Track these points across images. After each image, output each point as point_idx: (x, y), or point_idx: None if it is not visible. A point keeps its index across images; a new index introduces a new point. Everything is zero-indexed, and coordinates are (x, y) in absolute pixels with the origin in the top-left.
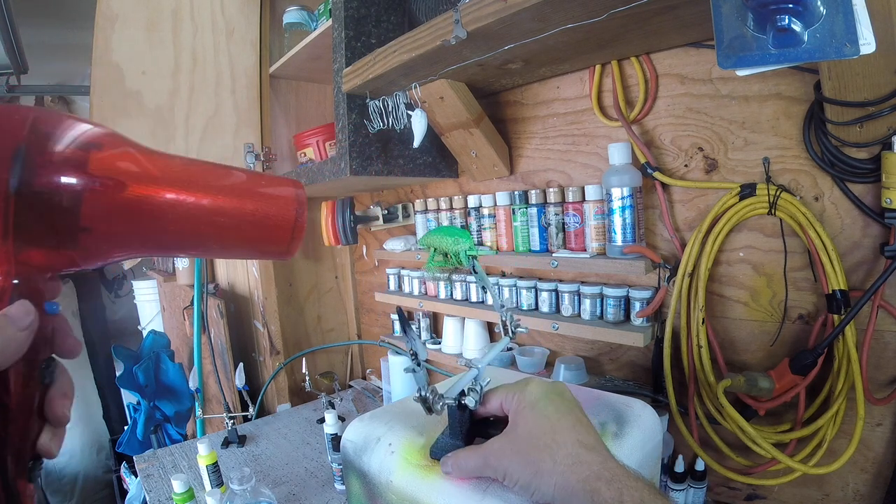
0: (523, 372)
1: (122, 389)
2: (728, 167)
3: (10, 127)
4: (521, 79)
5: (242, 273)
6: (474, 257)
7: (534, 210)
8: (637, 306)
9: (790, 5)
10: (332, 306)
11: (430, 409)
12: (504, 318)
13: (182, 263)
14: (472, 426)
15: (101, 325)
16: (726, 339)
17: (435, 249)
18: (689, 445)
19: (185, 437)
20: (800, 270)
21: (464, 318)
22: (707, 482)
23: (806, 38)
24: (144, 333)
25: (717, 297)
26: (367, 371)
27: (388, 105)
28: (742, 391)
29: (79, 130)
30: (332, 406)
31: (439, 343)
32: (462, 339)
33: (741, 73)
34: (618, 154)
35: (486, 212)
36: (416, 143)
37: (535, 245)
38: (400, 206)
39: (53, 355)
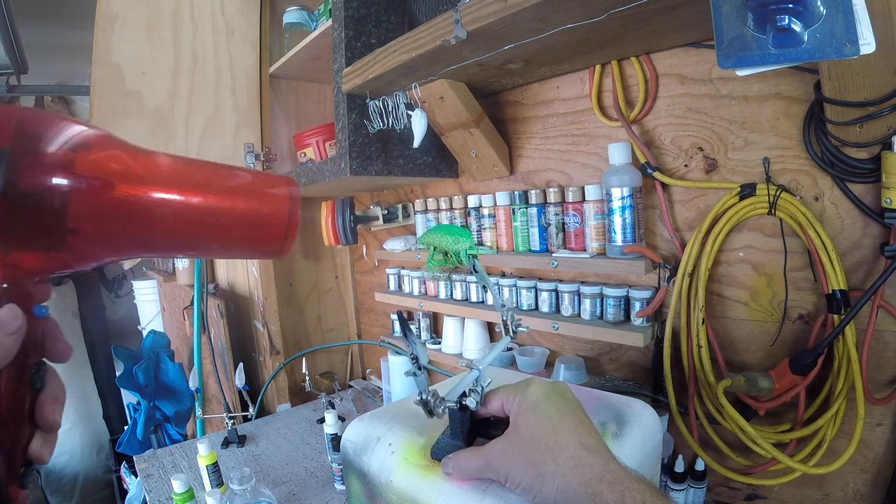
0: (523, 372)
1: (122, 389)
2: (728, 167)
3: None
4: (521, 79)
5: (242, 273)
6: (475, 256)
7: (534, 210)
8: (637, 306)
9: (790, 5)
10: (332, 306)
11: (431, 413)
12: (505, 318)
13: (182, 263)
14: (473, 426)
15: (101, 325)
16: (726, 339)
17: (435, 248)
18: (689, 445)
19: (185, 437)
20: (800, 270)
21: (464, 318)
22: (707, 482)
23: (806, 38)
24: (144, 333)
25: (717, 297)
26: (367, 371)
27: (388, 105)
28: (742, 391)
29: (66, 130)
30: (332, 406)
31: (439, 343)
32: (462, 339)
33: (741, 73)
34: (618, 154)
35: (486, 212)
36: (416, 143)
37: (535, 245)
38: (400, 206)
39: (44, 359)
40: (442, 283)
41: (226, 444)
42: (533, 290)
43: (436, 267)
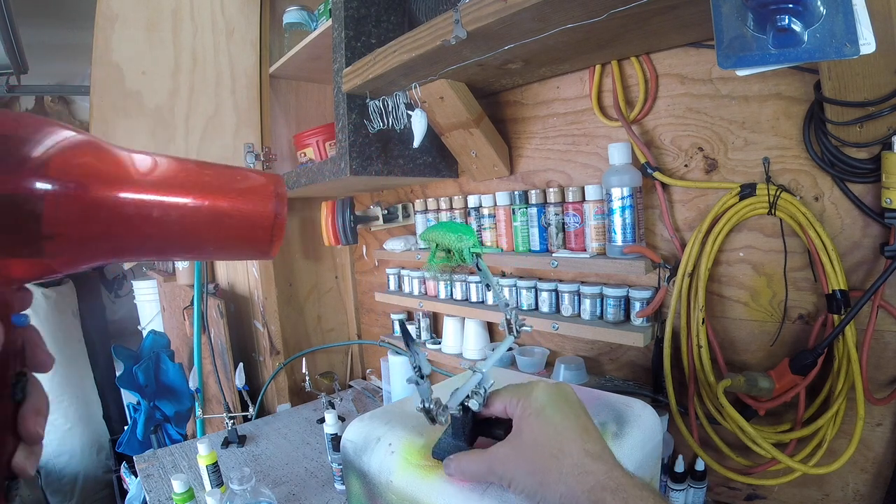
0: (523, 372)
1: (122, 389)
2: (728, 167)
3: None
4: (521, 79)
5: (242, 273)
6: (478, 255)
7: (534, 210)
8: (637, 306)
9: (790, 5)
10: (332, 306)
11: (433, 420)
12: (509, 317)
13: (182, 263)
14: (474, 426)
15: (101, 325)
16: (726, 339)
17: (437, 246)
18: (689, 445)
19: (185, 437)
20: (800, 270)
21: (464, 318)
22: (707, 482)
23: (806, 38)
24: (144, 333)
25: (717, 297)
26: (367, 371)
27: (388, 105)
28: (742, 391)
29: (43, 133)
30: (332, 406)
31: (439, 343)
32: (462, 338)
33: (741, 73)
34: (618, 154)
35: (486, 212)
36: (416, 143)
37: (535, 245)
38: (400, 206)
39: (25, 370)
40: (442, 283)
41: (226, 444)
42: (533, 290)
43: (437, 265)
